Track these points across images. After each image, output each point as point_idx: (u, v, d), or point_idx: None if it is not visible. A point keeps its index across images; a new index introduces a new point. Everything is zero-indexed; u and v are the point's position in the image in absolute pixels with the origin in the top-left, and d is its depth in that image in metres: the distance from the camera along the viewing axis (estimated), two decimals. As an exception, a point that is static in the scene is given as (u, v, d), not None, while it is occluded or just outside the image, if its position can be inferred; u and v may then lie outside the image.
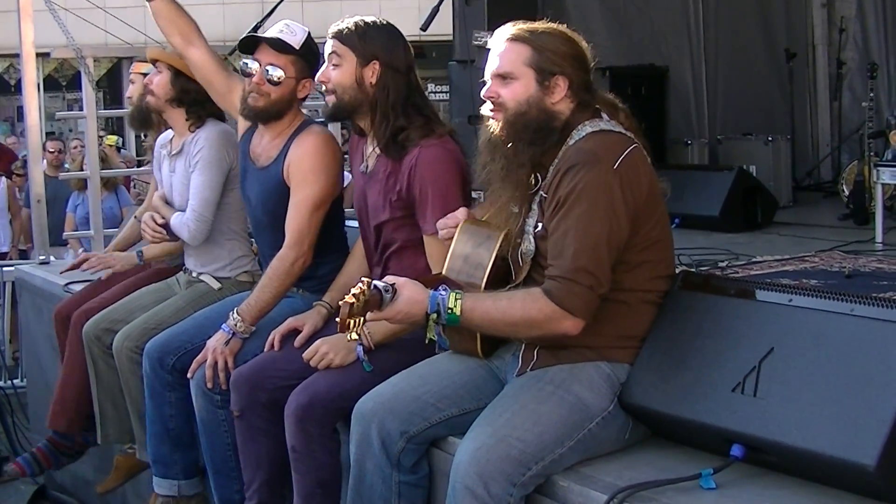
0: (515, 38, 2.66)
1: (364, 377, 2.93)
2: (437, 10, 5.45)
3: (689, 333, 2.61)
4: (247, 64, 3.38)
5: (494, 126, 2.67)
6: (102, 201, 6.88)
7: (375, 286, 2.49)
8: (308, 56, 3.38)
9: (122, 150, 11.91)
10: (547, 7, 5.70)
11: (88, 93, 6.45)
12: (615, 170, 2.53)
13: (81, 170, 7.81)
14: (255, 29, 3.57)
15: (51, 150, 9.39)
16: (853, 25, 8.18)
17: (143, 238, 4.16)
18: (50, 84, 17.19)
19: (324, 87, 3.16)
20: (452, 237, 2.78)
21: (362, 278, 2.50)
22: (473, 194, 3.13)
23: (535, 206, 2.70)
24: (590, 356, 2.61)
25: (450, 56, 6.25)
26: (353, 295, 2.41)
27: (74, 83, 15.76)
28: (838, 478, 2.29)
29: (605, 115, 2.69)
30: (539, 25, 2.69)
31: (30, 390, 6.28)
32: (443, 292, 2.55)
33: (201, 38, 3.66)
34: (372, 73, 3.07)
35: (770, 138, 7.25)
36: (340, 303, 2.42)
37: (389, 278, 2.57)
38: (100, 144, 7.36)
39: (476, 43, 5.52)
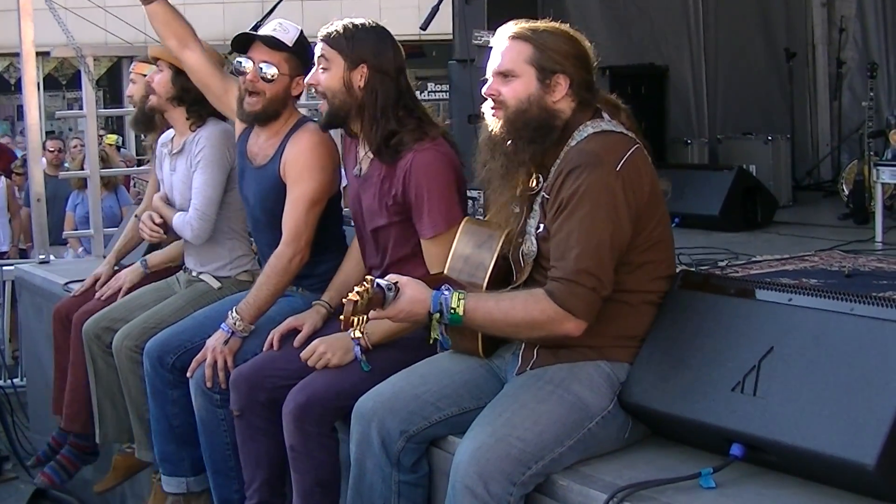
0: (517, 36, 2.66)
1: (362, 377, 2.93)
2: (437, 10, 5.45)
3: (688, 333, 2.61)
4: (241, 63, 3.39)
5: (495, 124, 2.67)
6: (102, 200, 6.88)
7: (378, 284, 2.49)
8: (301, 53, 3.38)
9: (121, 150, 11.92)
10: (547, 6, 5.70)
11: (88, 92, 6.45)
12: (617, 171, 2.53)
13: (81, 169, 7.81)
14: (255, 29, 3.57)
15: (51, 149, 9.40)
16: (853, 25, 8.18)
17: (141, 237, 4.16)
18: (50, 83, 17.20)
19: (314, 91, 3.16)
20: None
21: (366, 276, 2.50)
22: (472, 194, 3.13)
23: (536, 207, 2.69)
24: (590, 355, 2.61)
25: (450, 55, 6.26)
26: (357, 293, 2.41)
27: (74, 82, 15.79)
28: (838, 477, 2.29)
29: (605, 116, 2.69)
30: (542, 24, 2.70)
31: (29, 390, 6.28)
32: (445, 292, 2.55)
33: (197, 42, 3.67)
34: (360, 76, 3.05)
35: (770, 138, 7.26)
36: (344, 300, 2.43)
37: (392, 277, 2.57)
38: (100, 143, 7.37)
39: (476, 42, 5.53)
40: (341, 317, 2.42)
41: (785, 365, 2.40)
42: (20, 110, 12.01)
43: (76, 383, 4.22)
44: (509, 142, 2.63)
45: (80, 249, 8.34)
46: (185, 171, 3.92)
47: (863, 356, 2.28)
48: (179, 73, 3.90)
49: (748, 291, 2.65)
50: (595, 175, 2.52)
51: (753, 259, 4.82)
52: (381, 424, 2.66)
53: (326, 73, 3.08)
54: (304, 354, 3.06)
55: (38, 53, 6.52)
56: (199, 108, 3.90)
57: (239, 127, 3.63)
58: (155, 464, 3.93)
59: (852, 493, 2.29)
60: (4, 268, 7.01)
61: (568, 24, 2.73)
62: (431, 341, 2.65)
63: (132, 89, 4.38)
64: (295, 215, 3.34)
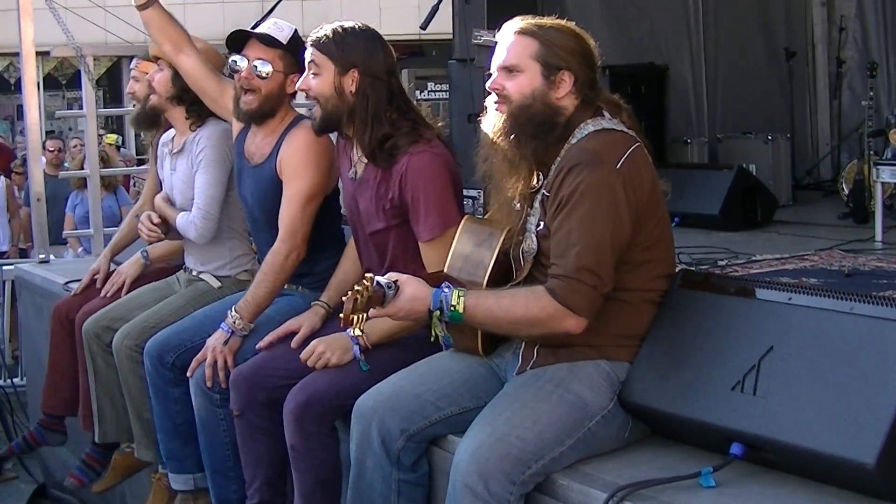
0: (523, 32, 2.66)
1: (362, 376, 2.93)
2: (437, 9, 5.46)
3: (688, 332, 2.61)
4: (235, 61, 3.40)
5: (498, 118, 2.67)
6: (102, 200, 6.88)
7: (378, 282, 2.49)
8: (296, 51, 3.38)
9: (121, 149, 11.92)
10: (547, 5, 5.70)
11: (88, 91, 6.45)
12: (618, 169, 2.53)
13: (81, 168, 7.81)
14: (253, 28, 3.57)
15: (50, 148, 9.40)
16: (853, 24, 8.17)
17: (139, 236, 4.16)
18: (50, 83, 17.18)
19: (306, 96, 3.16)
20: None
21: (366, 274, 2.50)
22: (472, 193, 3.13)
23: (537, 205, 2.70)
24: (590, 354, 2.61)
25: (449, 55, 6.25)
26: (357, 291, 2.42)
27: (74, 82, 15.77)
28: (837, 476, 2.30)
29: (606, 114, 2.69)
30: (548, 21, 2.70)
31: (29, 389, 6.28)
32: (446, 289, 2.55)
33: (192, 46, 3.68)
34: (351, 81, 3.03)
35: (770, 137, 7.25)
36: (344, 298, 2.43)
37: (392, 275, 2.57)
38: (99, 143, 7.37)
39: (476, 42, 5.52)
40: (341, 315, 2.42)
41: (785, 364, 2.40)
42: (20, 110, 12.00)
43: (86, 390, 4.20)
44: (511, 136, 2.64)
45: (80, 249, 8.34)
46: (185, 170, 3.92)
47: (863, 355, 2.29)
48: (179, 73, 3.90)
49: (748, 291, 2.65)
50: (596, 173, 2.52)
51: (753, 258, 4.81)
52: (381, 423, 2.66)
53: (317, 79, 3.07)
54: (303, 355, 3.06)
55: (37, 53, 6.52)
56: (198, 108, 3.90)
57: (236, 127, 3.64)
58: (155, 463, 3.94)
59: (852, 492, 2.29)
60: (4, 267, 7.01)
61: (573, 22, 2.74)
62: (433, 339, 2.65)
63: (134, 86, 4.37)
64: (291, 212, 3.34)
